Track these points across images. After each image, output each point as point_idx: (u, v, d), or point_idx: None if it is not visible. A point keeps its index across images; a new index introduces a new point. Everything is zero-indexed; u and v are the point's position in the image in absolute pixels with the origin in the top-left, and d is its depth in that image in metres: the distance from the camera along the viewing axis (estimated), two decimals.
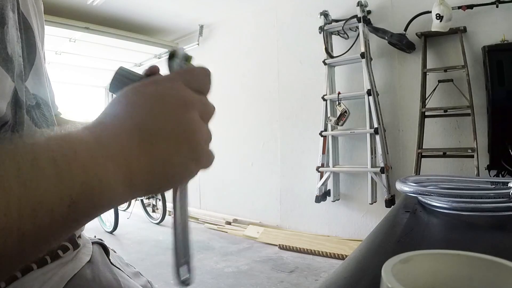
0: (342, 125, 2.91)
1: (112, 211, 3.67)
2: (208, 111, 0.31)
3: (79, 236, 0.47)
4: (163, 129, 0.27)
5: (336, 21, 3.01)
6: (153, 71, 0.34)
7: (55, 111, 0.51)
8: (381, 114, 2.76)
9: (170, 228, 0.32)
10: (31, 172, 0.19)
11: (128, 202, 4.51)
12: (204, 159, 0.30)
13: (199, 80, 0.31)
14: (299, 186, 3.42)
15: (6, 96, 0.31)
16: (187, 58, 0.36)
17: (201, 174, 0.32)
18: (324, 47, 3.00)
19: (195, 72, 0.32)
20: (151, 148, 0.26)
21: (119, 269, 0.51)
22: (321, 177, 3.00)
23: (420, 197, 0.70)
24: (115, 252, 0.56)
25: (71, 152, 0.22)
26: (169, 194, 0.32)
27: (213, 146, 0.40)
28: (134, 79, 0.37)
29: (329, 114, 2.96)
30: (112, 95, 0.38)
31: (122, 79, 0.37)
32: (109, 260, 0.52)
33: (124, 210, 4.54)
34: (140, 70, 0.36)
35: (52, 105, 0.44)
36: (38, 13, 0.42)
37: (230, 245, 3.27)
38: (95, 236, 0.55)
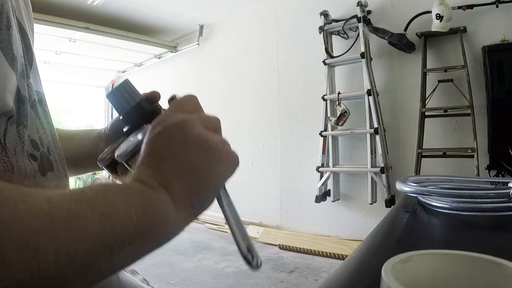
0: (342, 125, 2.91)
1: None
2: (210, 121, 0.35)
3: None
4: (179, 148, 0.32)
5: (336, 21, 3.00)
6: (151, 97, 0.42)
7: None
8: (381, 114, 2.76)
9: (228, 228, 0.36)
10: (106, 201, 0.26)
11: None
12: (226, 158, 0.34)
13: (190, 104, 0.36)
14: (299, 186, 3.42)
15: (12, 91, 0.35)
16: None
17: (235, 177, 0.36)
18: (324, 47, 3.00)
19: (184, 99, 0.37)
20: (178, 167, 0.31)
21: None
22: (321, 177, 3.00)
23: (420, 197, 0.70)
24: None
25: (127, 187, 0.30)
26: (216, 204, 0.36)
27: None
28: (133, 97, 0.39)
29: (329, 114, 2.96)
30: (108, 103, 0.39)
31: (123, 92, 0.39)
32: None
33: None
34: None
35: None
36: (29, 20, 0.44)
37: (230, 245, 3.27)
38: None
